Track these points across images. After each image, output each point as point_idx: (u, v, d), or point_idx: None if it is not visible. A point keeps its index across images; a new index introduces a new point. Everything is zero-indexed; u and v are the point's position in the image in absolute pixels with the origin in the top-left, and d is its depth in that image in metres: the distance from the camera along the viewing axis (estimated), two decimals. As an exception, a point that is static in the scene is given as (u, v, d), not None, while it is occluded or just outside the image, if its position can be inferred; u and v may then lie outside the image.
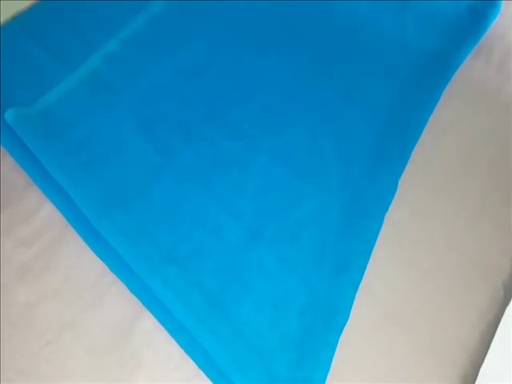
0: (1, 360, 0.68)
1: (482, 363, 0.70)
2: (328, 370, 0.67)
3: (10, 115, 0.82)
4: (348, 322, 0.71)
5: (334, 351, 0.68)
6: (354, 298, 0.72)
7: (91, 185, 0.79)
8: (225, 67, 0.96)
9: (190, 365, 0.68)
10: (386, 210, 0.80)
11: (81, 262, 0.76)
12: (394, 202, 0.81)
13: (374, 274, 0.75)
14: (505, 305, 0.74)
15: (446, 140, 0.90)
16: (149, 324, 0.71)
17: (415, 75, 0.95)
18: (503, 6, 1.03)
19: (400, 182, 0.83)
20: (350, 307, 0.72)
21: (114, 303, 0.73)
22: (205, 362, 0.68)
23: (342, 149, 0.87)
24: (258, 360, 0.67)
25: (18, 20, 0.99)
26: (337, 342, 0.69)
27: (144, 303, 0.72)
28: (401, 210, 0.81)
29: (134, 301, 0.72)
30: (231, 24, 1.02)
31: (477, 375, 0.70)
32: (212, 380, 0.67)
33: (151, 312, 0.71)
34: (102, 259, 0.75)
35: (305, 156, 0.86)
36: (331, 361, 0.68)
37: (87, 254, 0.76)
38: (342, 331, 0.70)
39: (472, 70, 0.98)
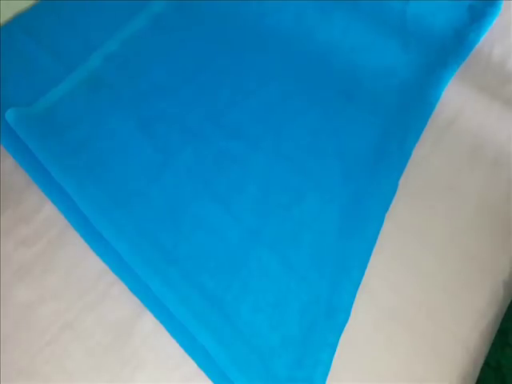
0: (1, 360, 0.68)
1: (482, 362, 0.70)
2: (328, 369, 0.67)
3: (10, 115, 0.82)
4: (348, 322, 0.71)
5: (335, 351, 0.68)
6: (354, 297, 0.72)
7: (91, 185, 0.79)
8: (224, 66, 0.96)
9: (190, 365, 0.68)
10: (387, 209, 0.80)
11: (81, 262, 0.76)
12: (394, 201, 0.81)
13: (375, 274, 0.75)
14: (505, 304, 0.75)
15: (445, 140, 0.89)
16: (149, 324, 0.71)
17: (416, 75, 0.95)
18: (503, 6, 1.03)
19: (400, 182, 0.83)
20: (351, 307, 0.71)
21: (114, 303, 0.73)
22: (205, 361, 0.68)
23: (342, 148, 0.87)
24: (258, 360, 0.67)
25: (18, 20, 0.99)
26: (337, 342, 0.69)
27: (144, 303, 0.72)
28: (401, 209, 0.81)
29: (135, 301, 0.72)
30: (231, 23, 1.02)
31: (477, 374, 0.70)
32: (212, 380, 0.67)
33: (151, 312, 0.71)
34: (102, 259, 0.75)
35: (305, 155, 0.86)
36: (331, 361, 0.68)
37: (87, 253, 0.76)
38: (342, 331, 0.70)
39: (472, 70, 0.97)
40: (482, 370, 0.70)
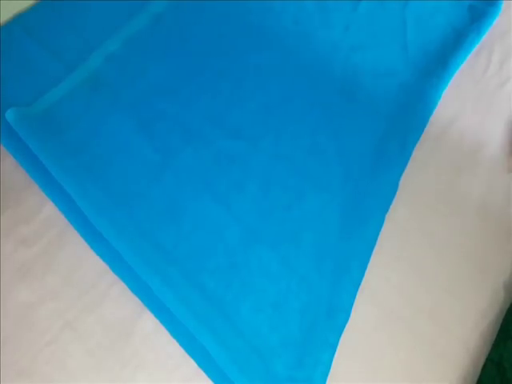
0: (1, 360, 0.68)
1: (482, 362, 0.70)
2: (329, 369, 0.67)
3: (10, 115, 0.82)
4: (348, 322, 0.71)
5: (335, 351, 0.68)
6: (354, 297, 0.72)
7: (91, 185, 0.79)
8: (225, 67, 0.96)
9: (190, 364, 0.68)
10: (387, 209, 0.80)
11: (81, 262, 0.76)
12: (394, 201, 0.81)
13: (375, 274, 0.75)
14: (506, 305, 0.74)
15: (446, 140, 0.89)
16: (149, 324, 0.71)
17: (416, 75, 0.95)
18: (503, 5, 1.03)
19: (400, 182, 0.83)
20: (351, 307, 0.71)
21: (114, 303, 0.73)
22: (205, 361, 0.68)
23: (342, 148, 0.87)
24: (259, 360, 0.67)
25: (19, 20, 0.99)
26: (337, 342, 0.69)
27: (145, 303, 0.72)
28: (401, 209, 0.81)
29: (135, 301, 0.72)
30: (231, 23, 1.02)
31: (477, 374, 0.70)
32: (212, 380, 0.67)
33: (152, 312, 0.71)
34: (102, 259, 0.75)
35: (305, 155, 0.86)
36: (332, 361, 0.68)
37: (88, 253, 0.76)
38: (342, 331, 0.70)
39: (472, 70, 0.97)
40: (485, 366, 0.70)
